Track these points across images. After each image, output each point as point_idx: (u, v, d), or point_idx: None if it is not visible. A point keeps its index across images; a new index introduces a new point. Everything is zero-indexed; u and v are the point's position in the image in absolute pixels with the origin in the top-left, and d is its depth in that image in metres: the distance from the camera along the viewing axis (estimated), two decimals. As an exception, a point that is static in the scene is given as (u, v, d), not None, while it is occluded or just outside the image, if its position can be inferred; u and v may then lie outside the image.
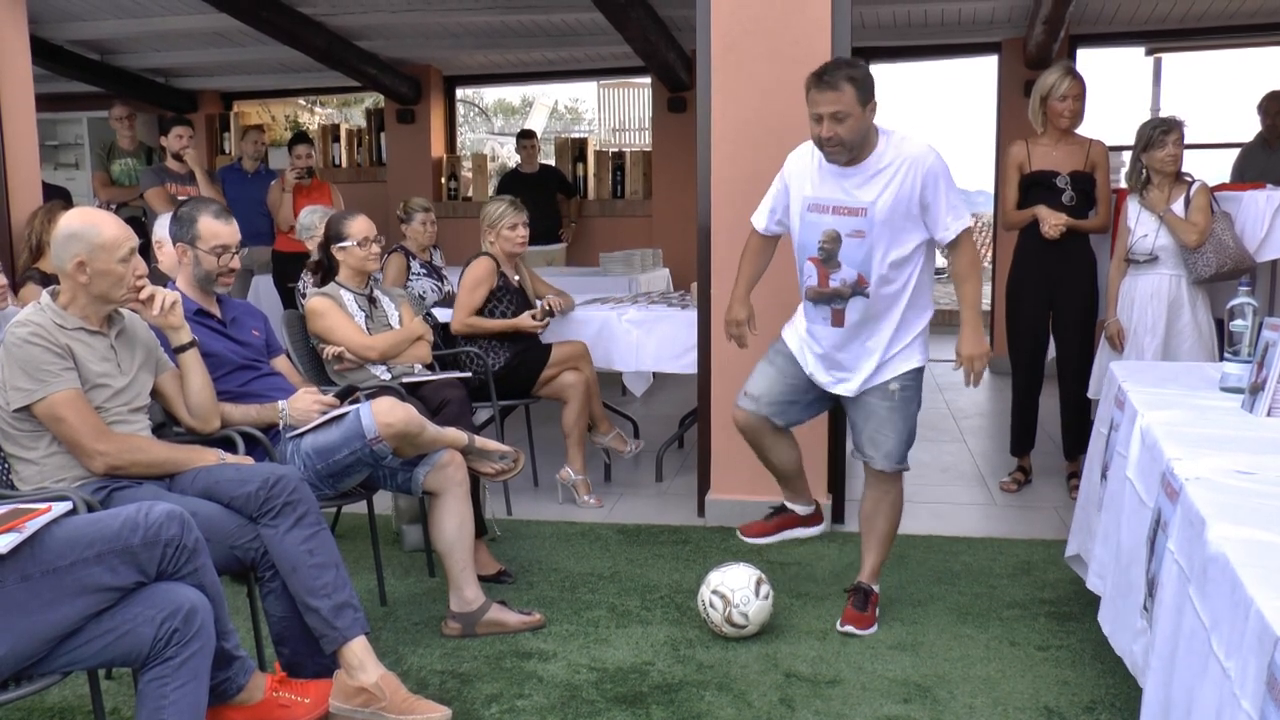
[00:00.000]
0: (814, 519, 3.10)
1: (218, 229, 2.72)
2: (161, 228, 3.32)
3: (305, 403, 2.75)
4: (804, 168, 2.74)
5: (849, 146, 2.59)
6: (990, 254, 7.95)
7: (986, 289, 9.38)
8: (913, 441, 2.83)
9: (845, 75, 2.57)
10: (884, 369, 2.73)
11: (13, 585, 1.76)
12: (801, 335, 2.82)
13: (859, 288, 2.68)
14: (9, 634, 1.75)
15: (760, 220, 2.90)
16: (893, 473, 2.81)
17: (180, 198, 5.31)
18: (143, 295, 2.40)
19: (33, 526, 1.78)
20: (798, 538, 3.10)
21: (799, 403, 2.86)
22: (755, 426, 2.86)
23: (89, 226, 2.27)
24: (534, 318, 3.98)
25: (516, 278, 4.07)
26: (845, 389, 2.78)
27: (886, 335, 2.72)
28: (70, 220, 2.30)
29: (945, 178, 2.63)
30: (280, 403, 2.74)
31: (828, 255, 2.68)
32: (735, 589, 2.73)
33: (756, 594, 2.73)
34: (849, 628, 2.80)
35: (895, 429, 2.76)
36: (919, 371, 2.78)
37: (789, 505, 3.07)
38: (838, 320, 2.72)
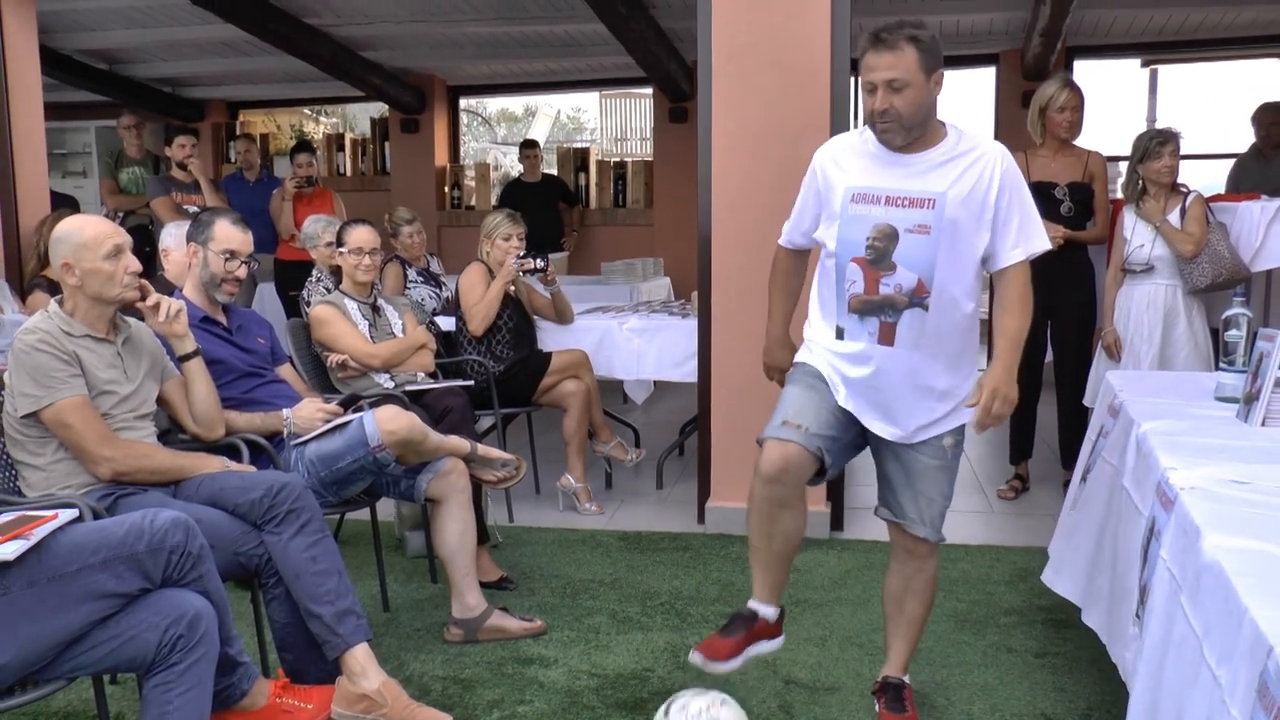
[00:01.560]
0: (778, 628, 2.36)
1: (232, 234, 2.77)
2: (168, 236, 3.36)
3: (309, 411, 2.78)
4: (847, 155, 2.24)
5: (906, 124, 2.11)
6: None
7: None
8: None
9: (908, 35, 2.09)
10: (942, 420, 2.22)
11: (19, 591, 1.78)
12: (829, 359, 2.25)
13: (917, 296, 2.14)
14: (15, 640, 1.76)
15: (785, 233, 2.40)
16: (934, 542, 2.31)
17: (186, 207, 5.36)
18: (149, 302, 2.43)
19: (39, 534, 1.80)
20: (761, 654, 2.33)
21: (840, 440, 2.23)
22: (797, 467, 2.13)
23: (71, 230, 2.31)
24: (520, 269, 4.00)
25: (512, 287, 4.11)
26: (890, 433, 2.23)
27: (943, 376, 2.20)
28: (57, 227, 2.34)
29: (1026, 188, 2.20)
30: (284, 411, 2.77)
31: (879, 255, 2.16)
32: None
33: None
34: None
35: (941, 490, 2.26)
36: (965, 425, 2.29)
37: (759, 608, 2.30)
38: (886, 337, 2.16)
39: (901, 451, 2.25)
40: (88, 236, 2.30)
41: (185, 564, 1.96)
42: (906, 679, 2.40)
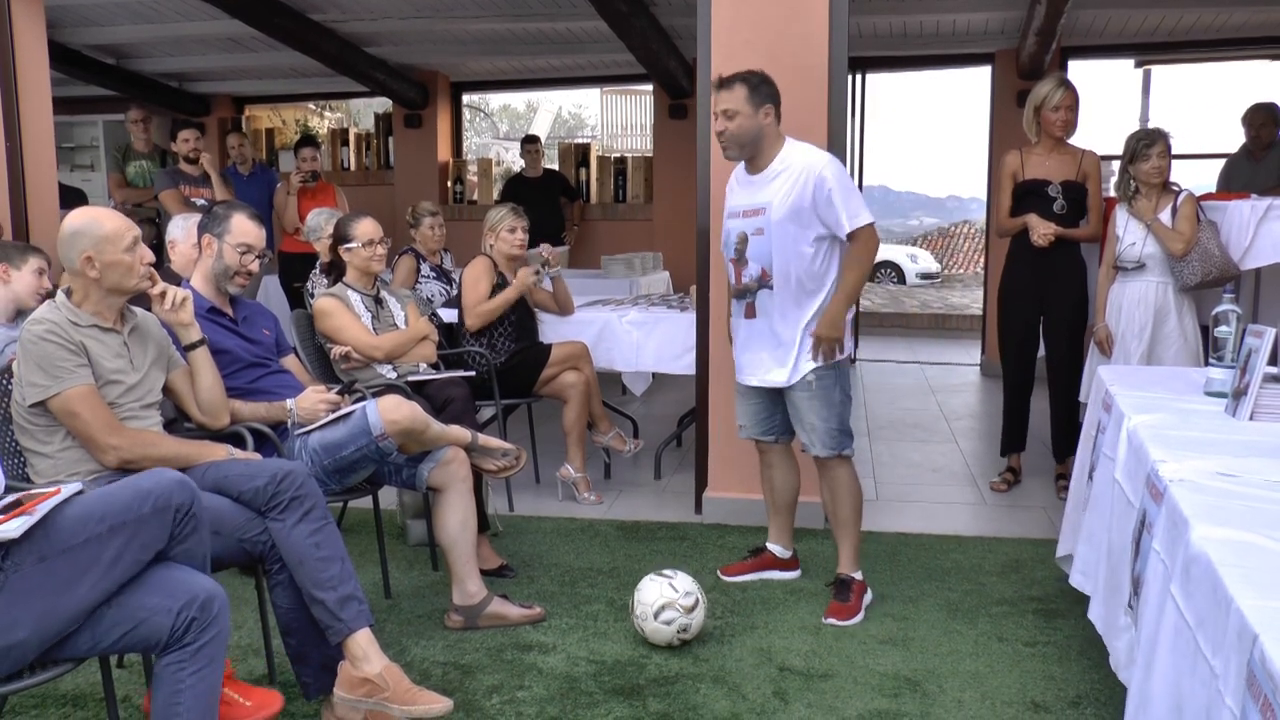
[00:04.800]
0: (791, 564, 3.23)
1: (248, 228, 2.82)
2: (175, 228, 3.39)
3: (312, 401, 2.81)
4: (730, 182, 3.04)
5: (738, 143, 2.86)
6: (983, 260, 8.04)
7: (979, 294, 9.41)
8: (848, 431, 2.96)
9: (740, 78, 2.83)
10: (801, 364, 2.91)
11: (31, 567, 1.79)
12: (736, 346, 3.08)
13: (763, 281, 2.90)
14: (31, 615, 1.78)
15: None
16: (831, 458, 2.94)
17: (194, 200, 5.40)
18: (155, 290, 2.45)
19: (43, 509, 1.80)
20: (771, 579, 3.19)
21: (775, 413, 3.08)
22: (759, 449, 3.18)
23: (90, 222, 2.31)
24: (533, 272, 4.06)
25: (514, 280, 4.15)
26: (777, 379, 2.95)
27: (798, 330, 2.90)
28: (71, 220, 2.33)
29: (839, 184, 2.81)
30: (289, 401, 2.80)
31: (739, 255, 2.95)
32: (641, 601, 2.72)
33: (655, 617, 2.69)
34: (831, 620, 2.86)
35: (819, 415, 2.92)
36: (836, 364, 2.92)
37: (770, 546, 3.23)
38: (750, 312, 2.96)
39: (786, 394, 2.98)
40: (109, 230, 2.31)
41: (188, 525, 1.96)
42: (856, 575, 2.99)
